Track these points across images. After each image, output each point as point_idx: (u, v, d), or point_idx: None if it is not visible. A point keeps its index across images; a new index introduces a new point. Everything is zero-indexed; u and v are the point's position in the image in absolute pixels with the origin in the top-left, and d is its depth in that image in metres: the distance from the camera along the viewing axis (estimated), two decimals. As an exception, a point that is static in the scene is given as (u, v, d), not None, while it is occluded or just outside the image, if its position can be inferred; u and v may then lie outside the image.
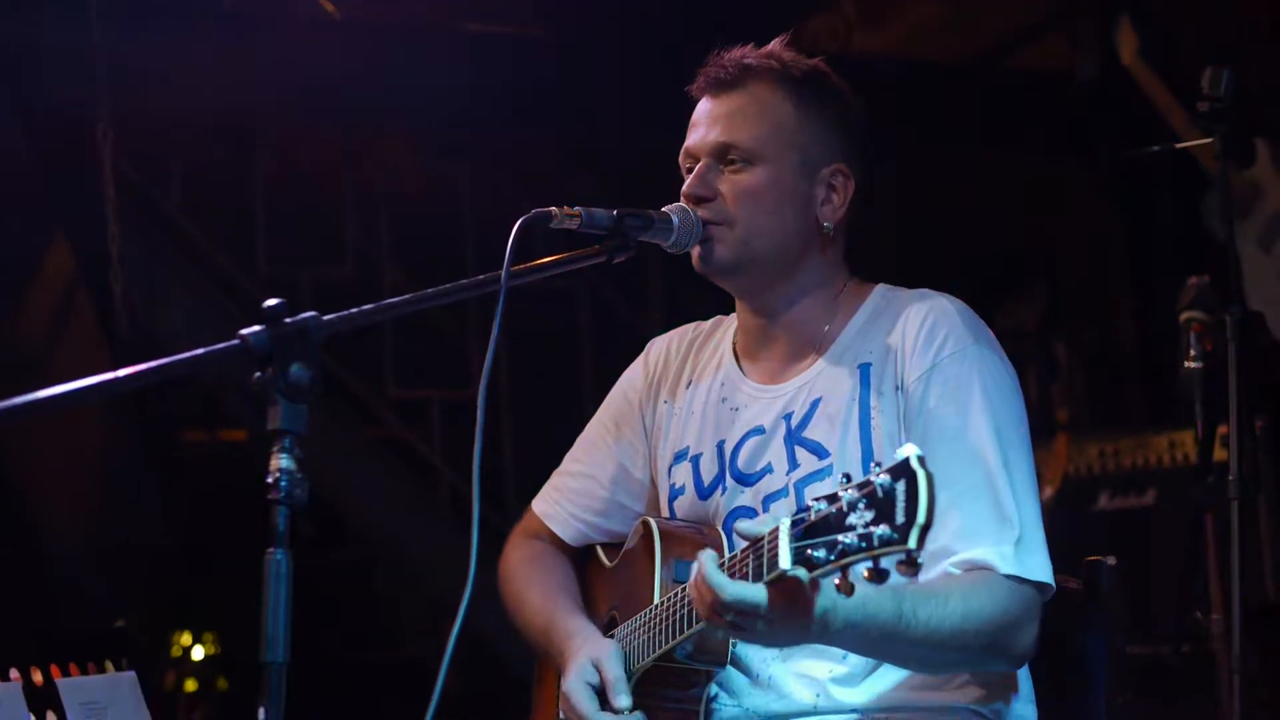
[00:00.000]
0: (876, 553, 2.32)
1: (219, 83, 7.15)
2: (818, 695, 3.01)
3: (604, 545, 3.45)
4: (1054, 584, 2.88)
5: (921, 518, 2.28)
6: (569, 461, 3.52)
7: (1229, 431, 4.48)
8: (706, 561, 2.62)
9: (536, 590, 3.42)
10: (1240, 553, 4.38)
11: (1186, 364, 5.05)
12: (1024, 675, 3.05)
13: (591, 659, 3.13)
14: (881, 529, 2.32)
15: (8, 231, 7.19)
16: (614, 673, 3.09)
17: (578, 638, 3.22)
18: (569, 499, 3.49)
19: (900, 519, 2.30)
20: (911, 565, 2.30)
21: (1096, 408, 8.34)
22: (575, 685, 3.10)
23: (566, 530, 3.50)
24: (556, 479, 3.53)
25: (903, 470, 2.32)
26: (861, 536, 2.34)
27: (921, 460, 2.31)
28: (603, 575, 3.37)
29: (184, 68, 7.04)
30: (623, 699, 3.05)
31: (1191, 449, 6.37)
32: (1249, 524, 4.49)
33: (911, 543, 2.28)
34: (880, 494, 2.34)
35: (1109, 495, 6.90)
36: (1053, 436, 7.21)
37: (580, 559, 3.51)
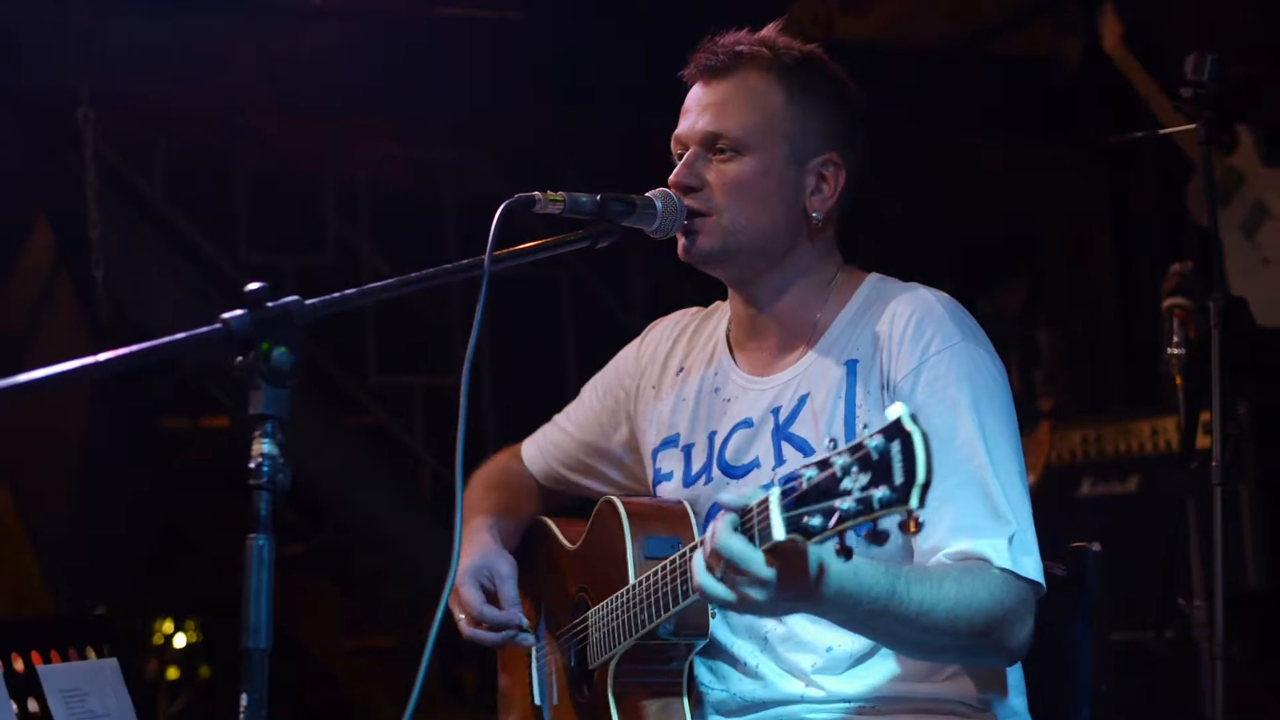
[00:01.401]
0: (876, 515, 2.29)
1: (201, 68, 7.13)
2: (806, 685, 3.01)
3: (561, 525, 3.45)
4: (1045, 585, 2.88)
5: (921, 476, 2.24)
6: (563, 415, 3.59)
7: (1212, 418, 4.48)
8: (724, 525, 2.58)
9: (475, 490, 3.55)
10: (1223, 539, 4.39)
11: (1170, 350, 5.06)
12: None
13: (488, 563, 3.33)
14: (881, 491, 2.28)
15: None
16: (505, 574, 3.30)
17: (477, 540, 3.38)
18: (552, 450, 3.57)
19: (899, 479, 2.27)
20: (915, 524, 2.27)
21: (1079, 394, 8.35)
22: (466, 580, 3.29)
23: (546, 479, 3.59)
24: (549, 427, 3.60)
25: (895, 430, 2.28)
26: (859, 500, 2.31)
27: (914, 418, 2.27)
28: (566, 557, 3.36)
29: (167, 53, 7.02)
30: (510, 591, 3.28)
31: (1174, 436, 6.39)
32: (1231, 510, 4.49)
33: (913, 502, 2.25)
34: (875, 456, 2.30)
35: (1091, 482, 6.90)
36: (1035, 423, 7.21)
37: (537, 539, 3.50)
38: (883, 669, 2.98)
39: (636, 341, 3.46)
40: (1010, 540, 2.82)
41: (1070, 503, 6.87)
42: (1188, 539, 5.07)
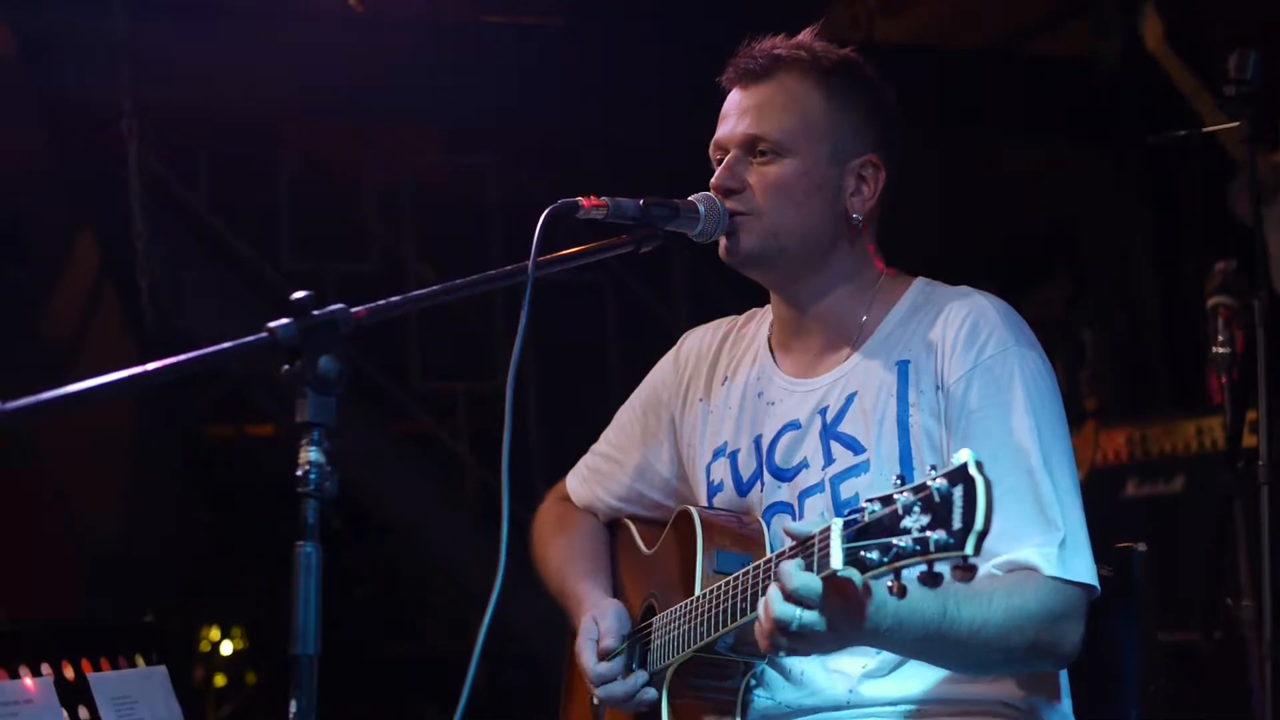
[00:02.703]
0: (932, 557, 2.32)
1: (244, 77, 7.17)
2: (850, 691, 3.01)
3: (639, 528, 3.45)
4: (1099, 586, 2.87)
5: (979, 525, 2.27)
6: (602, 441, 3.56)
7: (1258, 416, 4.46)
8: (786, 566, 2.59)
9: (557, 548, 3.52)
10: (1270, 538, 4.37)
11: (1214, 349, 5.05)
12: (1058, 667, 3.04)
13: (593, 616, 3.27)
14: (938, 534, 2.31)
15: (35, 225, 7.22)
16: (606, 623, 3.24)
17: (584, 601, 3.33)
18: (597, 479, 3.54)
19: (958, 524, 2.29)
20: (967, 570, 2.30)
21: (1124, 394, 8.32)
22: (581, 642, 3.25)
23: (595, 509, 3.56)
24: (590, 457, 3.58)
25: (960, 476, 2.31)
26: (917, 540, 2.34)
27: (979, 466, 2.30)
28: (639, 562, 3.37)
29: (209, 62, 7.06)
30: (610, 640, 3.21)
31: (1220, 435, 6.36)
32: (1279, 509, 4.47)
33: (969, 549, 2.28)
34: (937, 499, 2.33)
35: (1137, 482, 6.88)
36: (1081, 424, 7.19)
37: (614, 543, 3.52)
38: (929, 672, 2.98)
39: (672, 354, 3.46)
40: (1061, 545, 2.82)
41: (1116, 503, 6.84)
42: (1235, 538, 5.05)
